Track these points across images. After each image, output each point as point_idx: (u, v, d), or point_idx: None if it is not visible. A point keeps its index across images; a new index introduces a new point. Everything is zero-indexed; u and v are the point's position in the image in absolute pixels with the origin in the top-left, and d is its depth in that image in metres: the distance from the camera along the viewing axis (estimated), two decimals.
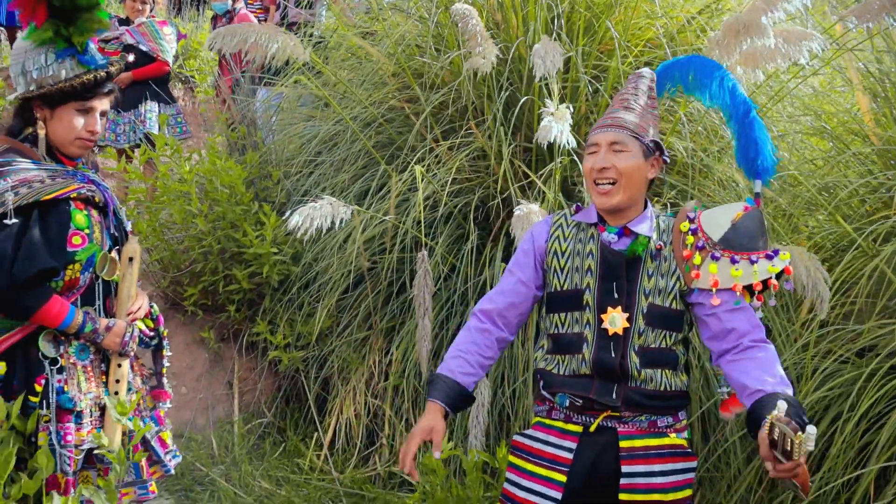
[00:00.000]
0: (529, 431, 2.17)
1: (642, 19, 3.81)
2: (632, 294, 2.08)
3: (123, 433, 2.25)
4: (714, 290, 2.03)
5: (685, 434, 2.14)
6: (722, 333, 2.05)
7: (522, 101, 3.49)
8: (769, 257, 2.04)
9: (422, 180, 3.42)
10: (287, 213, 2.89)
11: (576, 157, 3.48)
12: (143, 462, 2.32)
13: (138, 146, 5.32)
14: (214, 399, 4.04)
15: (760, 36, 2.77)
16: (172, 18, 7.16)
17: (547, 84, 3.47)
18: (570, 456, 2.07)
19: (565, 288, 2.13)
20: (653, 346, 2.07)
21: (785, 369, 3.01)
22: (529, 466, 2.12)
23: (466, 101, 3.76)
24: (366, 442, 3.73)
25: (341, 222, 2.99)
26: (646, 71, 2.26)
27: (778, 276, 2.04)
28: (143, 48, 5.33)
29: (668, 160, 2.23)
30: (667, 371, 2.07)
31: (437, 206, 3.66)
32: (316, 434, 3.79)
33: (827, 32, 3.13)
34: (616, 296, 2.08)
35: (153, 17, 5.60)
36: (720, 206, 2.18)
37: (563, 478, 2.06)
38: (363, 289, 3.90)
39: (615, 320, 2.06)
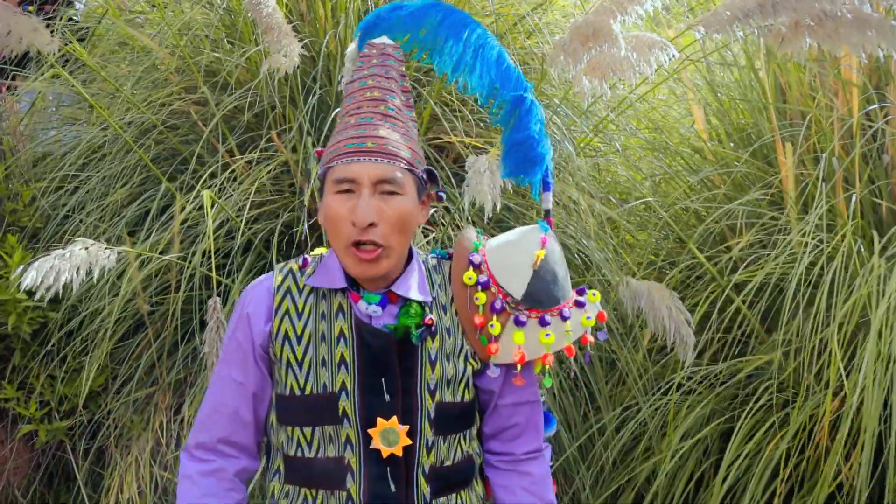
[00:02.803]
0: None
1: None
2: (410, 392, 1.48)
3: None
4: (518, 367, 1.49)
5: None
6: (499, 430, 1.59)
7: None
8: (579, 304, 1.55)
9: (212, 206, 2.81)
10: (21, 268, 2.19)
11: None
12: None
13: None
14: None
15: (610, 44, 2.43)
16: None
17: None
18: None
19: (308, 391, 1.47)
20: (447, 463, 1.51)
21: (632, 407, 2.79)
22: None
23: (267, 105, 3.23)
24: None
25: (103, 270, 2.34)
26: (387, 43, 1.55)
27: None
28: None
29: (444, 196, 1.61)
30: (462, 493, 1.55)
31: (234, 233, 3.08)
32: None
33: (672, 42, 2.87)
34: (388, 398, 1.46)
35: None
36: (506, 236, 1.60)
37: None
38: (144, 336, 3.24)
39: (390, 436, 1.45)
